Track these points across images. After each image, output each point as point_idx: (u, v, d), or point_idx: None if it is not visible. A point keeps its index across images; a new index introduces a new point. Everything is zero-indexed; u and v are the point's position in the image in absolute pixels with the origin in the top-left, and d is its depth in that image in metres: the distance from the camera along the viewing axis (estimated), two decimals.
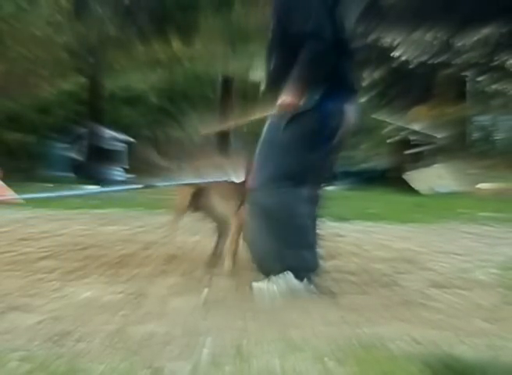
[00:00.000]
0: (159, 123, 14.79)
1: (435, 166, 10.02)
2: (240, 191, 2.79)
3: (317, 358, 1.57)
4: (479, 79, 14.40)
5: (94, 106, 13.69)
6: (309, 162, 2.49)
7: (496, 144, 13.21)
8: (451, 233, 4.61)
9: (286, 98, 2.43)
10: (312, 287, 2.39)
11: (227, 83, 14.91)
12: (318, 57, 2.44)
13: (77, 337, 1.73)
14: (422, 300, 2.33)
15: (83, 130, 13.34)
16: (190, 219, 5.28)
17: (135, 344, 1.68)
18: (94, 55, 13.19)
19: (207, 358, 1.57)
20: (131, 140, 13.47)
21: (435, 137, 11.35)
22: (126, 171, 12.63)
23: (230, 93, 15.03)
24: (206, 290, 2.41)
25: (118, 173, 12.40)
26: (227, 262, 2.80)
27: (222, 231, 3.12)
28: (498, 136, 13.48)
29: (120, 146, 13.17)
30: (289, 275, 2.36)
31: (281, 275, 2.36)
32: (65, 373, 1.46)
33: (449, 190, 9.20)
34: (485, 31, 13.74)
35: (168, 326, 1.87)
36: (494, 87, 14.50)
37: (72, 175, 12.14)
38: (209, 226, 3.69)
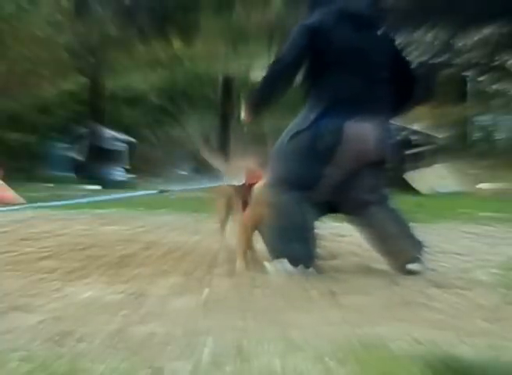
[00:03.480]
0: (160, 122, 14.78)
1: (436, 166, 10.03)
2: (241, 192, 3.06)
3: (317, 358, 1.57)
4: (480, 79, 14.41)
5: (95, 106, 13.71)
6: (305, 174, 2.79)
7: (496, 144, 13.20)
8: (451, 233, 4.61)
9: (243, 113, 2.97)
10: (308, 273, 2.71)
11: (228, 83, 14.90)
12: (269, 80, 2.87)
13: (78, 337, 1.73)
14: (423, 300, 2.33)
15: (83, 130, 13.36)
16: (190, 220, 5.29)
17: (136, 344, 1.68)
18: (94, 55, 13.20)
19: (207, 358, 1.57)
20: (132, 140, 13.47)
21: (436, 137, 11.36)
22: (127, 171, 12.63)
23: (231, 93, 15.03)
24: (207, 290, 2.41)
25: (118, 172, 12.40)
26: (238, 262, 2.94)
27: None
28: (498, 136, 13.47)
29: (121, 146, 13.18)
30: (285, 261, 2.74)
31: (278, 260, 2.77)
32: (66, 373, 1.46)
33: (450, 190, 9.21)
34: (486, 31, 13.74)
35: (169, 326, 1.87)
36: (495, 87, 14.51)
37: (72, 175, 12.16)
38: (210, 226, 3.70)
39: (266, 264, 2.82)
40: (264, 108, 3.03)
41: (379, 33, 2.97)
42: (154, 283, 2.54)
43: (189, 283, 2.55)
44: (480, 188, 9.29)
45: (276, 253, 2.81)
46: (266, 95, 2.94)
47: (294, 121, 2.91)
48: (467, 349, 1.67)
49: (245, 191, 3.05)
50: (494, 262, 3.22)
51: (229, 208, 3.36)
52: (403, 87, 2.97)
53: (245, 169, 3.13)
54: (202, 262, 3.06)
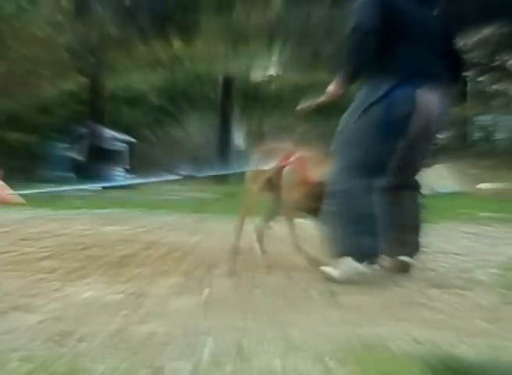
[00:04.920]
0: (160, 122, 14.76)
1: (436, 166, 10.01)
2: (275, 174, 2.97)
3: (317, 358, 1.57)
4: (480, 79, 14.41)
5: (95, 106, 13.70)
6: (379, 152, 2.64)
7: (496, 144, 13.21)
8: (451, 233, 4.61)
9: (331, 87, 2.75)
10: (374, 268, 2.64)
11: (228, 83, 14.89)
12: (355, 48, 2.71)
13: (78, 337, 1.73)
14: (423, 300, 2.33)
15: (83, 130, 13.35)
16: (190, 220, 5.29)
17: (136, 344, 1.68)
18: (94, 55, 13.20)
19: (208, 357, 1.58)
20: (132, 140, 13.47)
21: (436, 137, 11.34)
22: (127, 171, 12.63)
23: (231, 93, 15.01)
24: (207, 290, 2.41)
25: (119, 173, 12.39)
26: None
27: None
28: (498, 136, 13.48)
29: (121, 146, 13.18)
30: (349, 259, 2.57)
31: (341, 259, 2.60)
32: (66, 373, 1.46)
33: (450, 190, 9.21)
34: (486, 31, 13.74)
35: (169, 326, 1.87)
36: (495, 87, 14.52)
37: (72, 175, 12.16)
38: (209, 226, 3.69)
39: (325, 269, 2.65)
40: (355, 79, 2.84)
41: (435, 13, 2.93)
42: (154, 283, 2.54)
43: (189, 284, 2.56)
44: (480, 188, 9.29)
45: (342, 249, 2.61)
46: (356, 65, 2.76)
47: (360, 97, 2.74)
48: (467, 349, 1.67)
49: (277, 173, 2.96)
50: (494, 262, 3.23)
51: (252, 209, 3.18)
52: (453, 67, 2.91)
53: (279, 152, 3.03)
54: (202, 262, 3.06)
